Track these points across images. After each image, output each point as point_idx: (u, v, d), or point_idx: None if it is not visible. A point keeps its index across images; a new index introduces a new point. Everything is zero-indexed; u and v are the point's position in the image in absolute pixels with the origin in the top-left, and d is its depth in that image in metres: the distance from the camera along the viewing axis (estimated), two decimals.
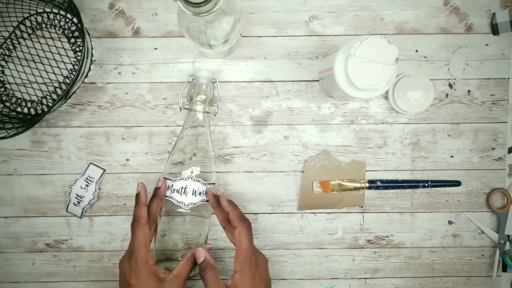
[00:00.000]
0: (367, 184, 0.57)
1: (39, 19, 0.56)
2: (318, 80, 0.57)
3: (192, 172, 0.50)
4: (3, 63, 0.56)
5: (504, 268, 0.58)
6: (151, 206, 0.49)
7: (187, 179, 0.49)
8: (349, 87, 0.45)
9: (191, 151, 0.51)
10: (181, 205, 0.49)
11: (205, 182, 0.50)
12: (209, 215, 0.53)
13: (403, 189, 0.57)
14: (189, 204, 0.49)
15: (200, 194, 0.50)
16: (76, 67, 0.56)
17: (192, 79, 0.52)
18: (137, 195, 0.48)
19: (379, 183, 0.57)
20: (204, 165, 0.51)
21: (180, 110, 0.54)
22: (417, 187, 0.57)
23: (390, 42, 0.43)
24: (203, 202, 0.50)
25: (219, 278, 0.46)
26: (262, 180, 0.57)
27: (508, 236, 0.57)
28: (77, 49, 0.56)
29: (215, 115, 0.55)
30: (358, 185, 0.56)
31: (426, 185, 0.57)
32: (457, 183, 0.57)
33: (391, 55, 0.43)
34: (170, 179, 0.50)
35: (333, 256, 0.58)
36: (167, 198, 0.50)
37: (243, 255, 0.45)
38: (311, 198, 0.56)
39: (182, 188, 0.49)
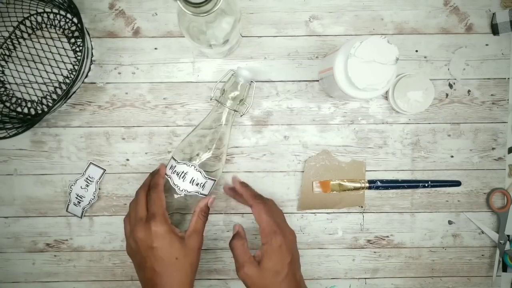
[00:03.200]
0: (367, 184, 0.57)
1: (39, 19, 0.56)
2: (318, 80, 0.57)
3: (198, 161, 0.50)
4: (3, 63, 0.56)
5: (504, 268, 0.58)
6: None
7: (190, 166, 0.49)
8: (349, 87, 0.45)
9: (205, 141, 0.51)
10: (176, 188, 0.49)
11: (206, 176, 0.50)
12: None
13: (403, 189, 0.57)
14: (183, 190, 0.49)
15: (197, 185, 0.50)
16: (76, 67, 0.56)
17: (232, 75, 0.52)
18: (159, 170, 0.50)
19: (379, 183, 0.57)
20: (213, 160, 0.51)
21: (211, 99, 0.54)
22: (417, 187, 0.57)
23: (390, 42, 0.43)
24: (197, 193, 0.50)
25: (247, 248, 0.47)
26: (262, 180, 0.57)
27: (508, 236, 0.57)
28: (77, 49, 0.56)
29: (241, 115, 0.55)
30: (358, 185, 0.56)
31: (426, 185, 0.57)
32: (457, 183, 0.57)
33: (391, 55, 0.43)
34: (175, 160, 0.50)
35: (333, 256, 0.58)
36: (166, 176, 0.50)
37: (266, 229, 0.46)
38: (311, 198, 0.56)
39: (182, 172, 0.49)
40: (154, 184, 0.48)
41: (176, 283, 0.45)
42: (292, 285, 0.45)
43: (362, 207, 0.57)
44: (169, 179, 0.50)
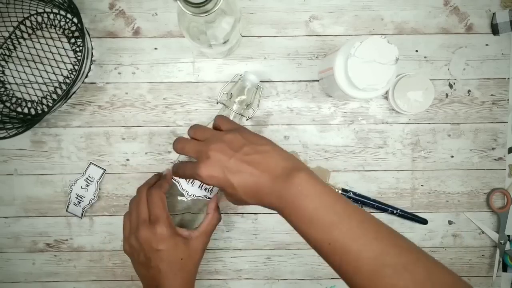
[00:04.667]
0: (340, 192, 0.56)
1: (39, 19, 0.56)
2: (318, 80, 0.57)
3: None
4: (3, 63, 0.56)
5: (504, 268, 0.58)
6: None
7: None
8: (349, 87, 0.45)
9: None
10: (184, 193, 0.49)
11: None
12: (205, 211, 0.53)
13: (373, 207, 0.57)
14: (192, 195, 0.49)
15: (205, 189, 0.50)
16: (76, 67, 0.56)
17: (239, 79, 0.52)
18: (165, 175, 0.50)
19: (351, 194, 0.56)
20: None
21: (217, 103, 0.54)
22: (385, 210, 0.57)
23: (390, 42, 0.43)
24: (205, 198, 0.50)
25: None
26: None
27: (508, 236, 0.57)
28: (77, 49, 0.56)
29: (247, 119, 0.55)
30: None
31: (395, 212, 0.57)
32: (424, 221, 0.57)
33: (391, 55, 0.43)
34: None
35: None
36: (174, 181, 0.50)
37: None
38: None
39: None
40: (159, 185, 0.48)
41: (179, 282, 0.46)
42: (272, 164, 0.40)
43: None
44: (177, 184, 0.50)
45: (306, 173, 0.39)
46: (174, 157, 0.57)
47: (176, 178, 0.50)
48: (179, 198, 0.49)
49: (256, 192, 0.40)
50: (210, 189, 0.50)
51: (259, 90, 0.53)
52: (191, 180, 0.49)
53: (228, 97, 0.51)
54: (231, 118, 0.51)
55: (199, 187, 0.49)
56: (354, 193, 0.56)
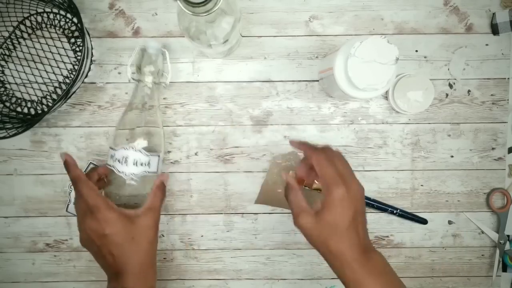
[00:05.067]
0: None
1: (39, 19, 0.56)
2: (318, 80, 0.57)
3: (134, 142, 0.50)
4: (3, 63, 0.56)
5: (504, 268, 0.58)
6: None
7: (128, 148, 0.49)
8: (349, 87, 0.45)
9: (137, 121, 0.51)
10: (122, 175, 0.49)
11: (147, 153, 0.50)
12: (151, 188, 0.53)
13: (373, 207, 0.57)
14: (130, 174, 0.49)
15: (142, 164, 0.50)
16: (76, 67, 0.56)
17: (141, 50, 0.52)
18: (65, 162, 0.47)
19: None
20: (150, 137, 0.51)
21: (129, 81, 0.53)
22: (385, 210, 0.57)
23: (390, 42, 0.43)
24: (145, 172, 0.50)
25: (302, 196, 0.44)
26: (262, 180, 0.57)
27: (508, 236, 0.57)
28: (77, 49, 0.56)
29: (165, 86, 0.55)
30: None
31: (394, 212, 0.56)
32: (423, 221, 0.57)
33: (391, 55, 0.43)
34: (112, 149, 0.50)
35: None
36: (109, 167, 0.50)
37: (326, 179, 0.42)
38: (271, 195, 0.56)
39: (123, 157, 0.49)
40: (75, 178, 0.46)
41: (136, 263, 0.46)
42: (353, 241, 0.41)
43: None
44: (112, 168, 0.49)
45: (382, 256, 0.42)
46: (174, 156, 0.57)
47: (110, 163, 0.50)
48: (126, 182, 0.49)
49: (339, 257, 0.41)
50: (147, 163, 0.50)
51: (165, 54, 0.53)
52: (123, 160, 0.49)
53: (137, 71, 0.51)
54: (148, 90, 0.51)
55: (134, 164, 0.49)
56: None
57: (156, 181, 0.50)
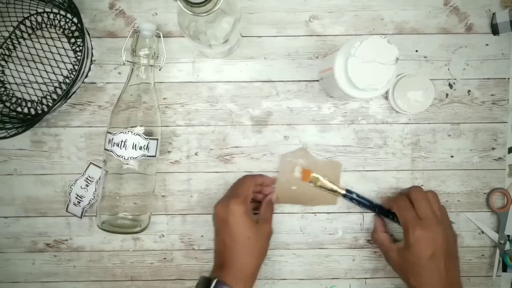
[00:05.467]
0: (344, 192, 0.56)
1: (39, 19, 0.56)
2: (318, 80, 0.57)
3: (133, 126, 0.50)
4: (3, 63, 0.56)
5: (504, 268, 0.58)
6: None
7: (126, 132, 0.49)
8: (349, 87, 0.45)
9: (134, 105, 0.51)
10: (121, 158, 0.49)
11: (146, 137, 0.50)
12: (153, 171, 0.53)
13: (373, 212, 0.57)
14: (129, 158, 0.49)
15: (140, 148, 0.50)
16: (76, 67, 0.56)
17: (136, 32, 0.52)
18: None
19: (355, 196, 0.56)
20: (148, 120, 0.51)
21: (124, 64, 0.53)
22: (387, 215, 0.56)
23: (390, 42, 0.43)
24: (144, 156, 0.50)
25: (387, 236, 0.54)
26: None
27: (508, 236, 0.57)
28: (77, 49, 0.56)
29: (160, 69, 0.54)
30: (335, 188, 0.56)
31: (395, 219, 0.56)
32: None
33: (391, 55, 0.43)
34: (110, 133, 0.50)
35: (333, 256, 0.58)
36: (108, 152, 0.50)
37: (406, 223, 0.50)
38: (287, 193, 0.56)
39: (121, 141, 0.49)
40: (254, 175, 0.55)
41: (244, 262, 0.48)
42: (433, 280, 0.47)
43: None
44: (111, 153, 0.50)
45: None
46: (174, 156, 0.57)
47: (108, 148, 0.50)
48: (122, 166, 0.50)
49: None
50: (146, 146, 0.50)
51: (160, 37, 0.53)
52: (122, 144, 0.49)
53: (132, 53, 0.51)
54: (143, 73, 0.51)
55: (133, 148, 0.50)
56: (358, 195, 0.56)
57: (266, 198, 0.54)
